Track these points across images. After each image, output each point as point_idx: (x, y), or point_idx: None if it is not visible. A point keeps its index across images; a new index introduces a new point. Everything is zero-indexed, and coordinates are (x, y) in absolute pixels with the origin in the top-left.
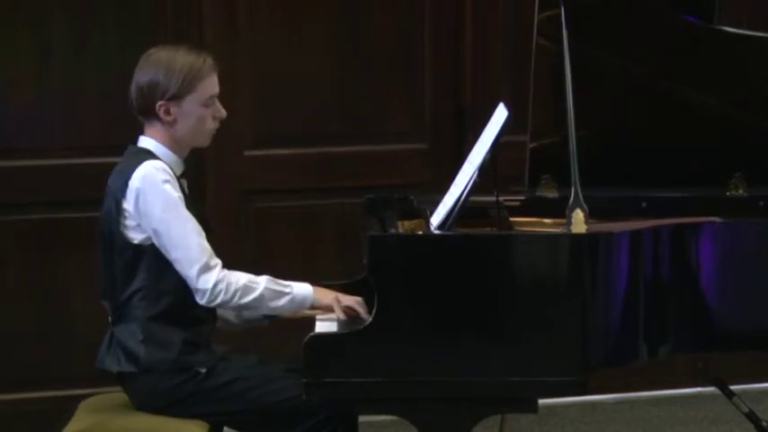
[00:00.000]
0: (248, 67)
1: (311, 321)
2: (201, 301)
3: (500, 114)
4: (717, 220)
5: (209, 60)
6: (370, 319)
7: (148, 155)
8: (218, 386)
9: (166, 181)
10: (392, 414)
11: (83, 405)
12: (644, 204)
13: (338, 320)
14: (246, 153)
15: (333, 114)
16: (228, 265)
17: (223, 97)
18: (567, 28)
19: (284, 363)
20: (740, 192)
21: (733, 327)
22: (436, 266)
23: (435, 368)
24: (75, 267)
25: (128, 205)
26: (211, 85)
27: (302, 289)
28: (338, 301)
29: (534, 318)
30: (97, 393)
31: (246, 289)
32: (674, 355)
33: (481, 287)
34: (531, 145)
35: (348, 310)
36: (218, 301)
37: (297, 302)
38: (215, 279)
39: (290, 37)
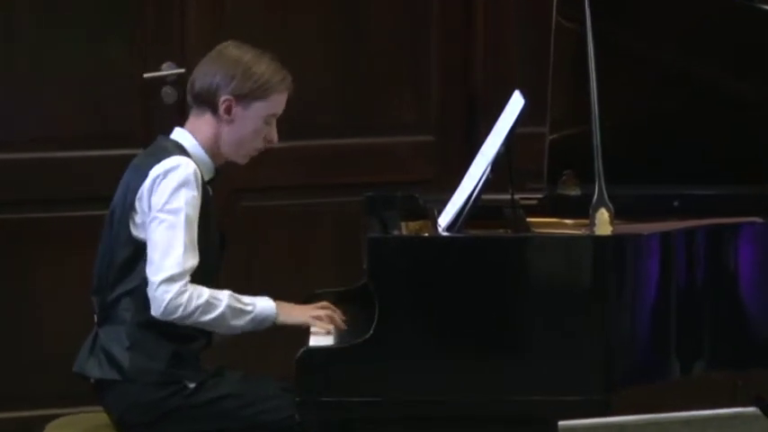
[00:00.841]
0: None
1: (305, 335)
2: (156, 313)
3: (516, 103)
4: (757, 220)
5: (289, 78)
6: (344, 327)
7: (179, 150)
8: (207, 402)
9: (182, 185)
10: None
11: (51, 426)
12: (676, 203)
13: (335, 332)
14: None
15: (329, 104)
16: (215, 275)
17: None
18: (590, 7)
19: (276, 380)
20: None
21: None
22: (444, 272)
23: (442, 386)
24: (45, 273)
25: (141, 193)
26: (281, 102)
27: (265, 306)
28: (315, 317)
29: (553, 329)
30: (68, 413)
31: (208, 306)
32: (709, 371)
33: (494, 295)
34: (551, 137)
35: (328, 320)
36: (176, 316)
37: (257, 322)
38: (174, 292)
39: (281, 18)
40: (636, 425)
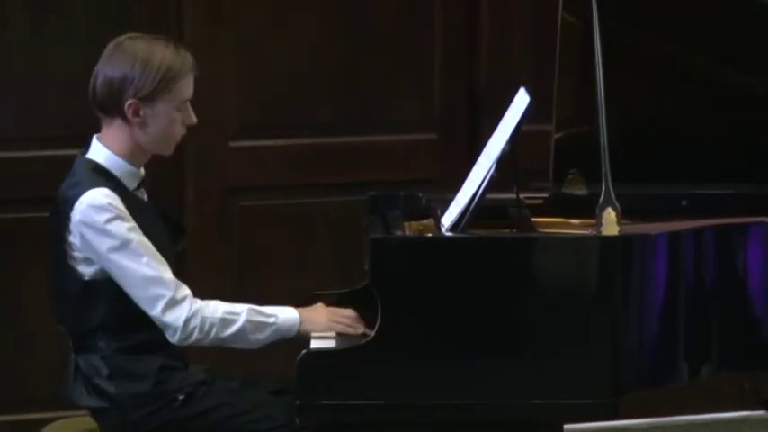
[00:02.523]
0: (232, 48)
1: (306, 336)
2: (173, 339)
3: (521, 100)
4: (767, 219)
5: (189, 59)
6: (372, 333)
7: (95, 174)
8: (198, 414)
9: (111, 219)
10: None
11: (47, 430)
12: (684, 202)
13: (336, 335)
14: (231, 144)
15: (328, 100)
16: (211, 271)
17: (204, 81)
18: (596, 4)
19: (273, 383)
20: None
21: None
22: (447, 273)
23: (446, 389)
24: (33, 274)
25: (73, 239)
26: (187, 87)
27: (288, 316)
28: (335, 321)
29: (559, 332)
30: (61, 417)
31: (225, 322)
32: (717, 374)
33: (499, 297)
34: (557, 135)
35: (350, 321)
36: (193, 339)
37: (281, 333)
38: (186, 314)
39: (280, 12)
40: (642, 428)
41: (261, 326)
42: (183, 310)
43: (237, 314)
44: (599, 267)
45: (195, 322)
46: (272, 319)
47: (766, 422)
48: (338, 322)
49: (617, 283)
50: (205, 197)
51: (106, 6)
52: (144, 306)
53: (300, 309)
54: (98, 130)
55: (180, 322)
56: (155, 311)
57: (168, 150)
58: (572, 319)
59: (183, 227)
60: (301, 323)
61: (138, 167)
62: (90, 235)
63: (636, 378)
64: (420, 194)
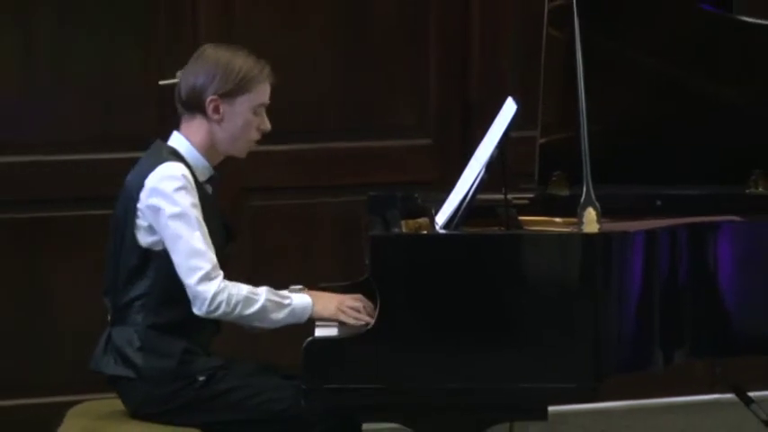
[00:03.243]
0: None
1: (311, 325)
2: (200, 311)
3: (508, 108)
4: (736, 219)
5: (267, 68)
6: (372, 322)
7: (173, 155)
8: (217, 394)
9: (180, 188)
10: (396, 422)
11: (71, 412)
12: (659, 202)
13: (339, 324)
14: None
15: (333, 108)
16: (224, 266)
17: None
18: (578, 17)
19: (284, 369)
20: (760, 189)
21: (752, 331)
22: (441, 268)
23: (440, 374)
24: (61, 268)
25: (141, 204)
26: (264, 92)
27: (301, 300)
28: (342, 311)
29: (544, 321)
30: (87, 400)
31: (248, 301)
32: (690, 360)
33: (488, 289)
34: (541, 140)
35: (355, 313)
36: (219, 312)
37: (296, 315)
38: (215, 289)
39: (288, 26)
40: (621, 410)
41: (279, 306)
42: (214, 284)
43: (258, 294)
44: (580, 262)
45: (222, 297)
46: (287, 301)
47: (736, 405)
48: (344, 312)
49: (597, 276)
50: (219, 197)
51: (126, 17)
52: (181, 273)
53: (312, 293)
54: (124, 135)
55: (209, 294)
56: (190, 280)
57: (242, 152)
58: (555, 309)
59: (234, 234)
60: (313, 307)
61: (211, 163)
62: (157, 199)
63: (615, 364)
64: (416, 195)
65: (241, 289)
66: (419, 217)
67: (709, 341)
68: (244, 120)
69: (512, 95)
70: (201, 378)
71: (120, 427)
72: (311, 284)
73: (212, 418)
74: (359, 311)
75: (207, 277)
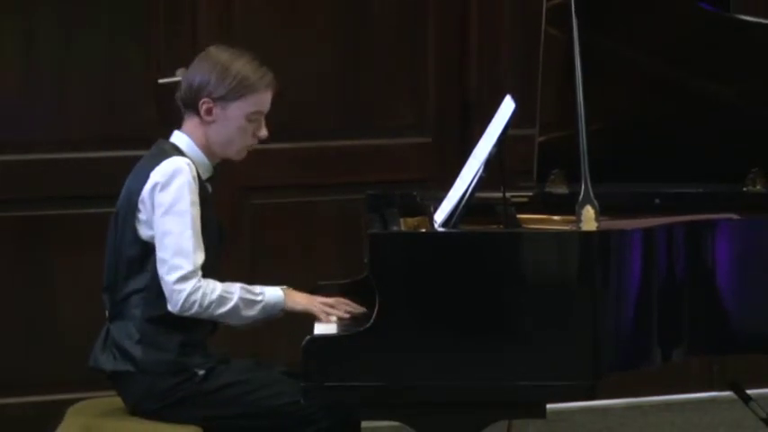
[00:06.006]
0: None
1: (310, 322)
2: (174, 309)
3: (507, 107)
4: (733, 216)
5: (269, 76)
6: (371, 318)
7: (177, 152)
8: (216, 389)
9: (183, 184)
10: (395, 420)
11: (72, 410)
12: (657, 201)
13: (337, 322)
14: None
15: (332, 107)
16: (224, 262)
17: None
18: (576, 16)
19: (283, 367)
20: (758, 187)
21: (750, 328)
22: (440, 265)
23: (439, 372)
24: (62, 266)
25: (143, 197)
26: (261, 101)
27: (273, 294)
28: (314, 305)
29: (543, 319)
30: (87, 398)
31: (221, 300)
32: (688, 358)
33: (487, 287)
34: (540, 139)
35: (326, 308)
36: (192, 312)
37: (268, 310)
38: (190, 289)
39: (287, 26)
40: (619, 408)
41: (251, 303)
42: (189, 284)
43: (232, 293)
44: (579, 260)
45: (196, 296)
46: (259, 297)
47: (733, 402)
48: (315, 306)
49: (595, 274)
50: (220, 195)
51: (125, 17)
52: (162, 268)
53: (285, 288)
54: (125, 133)
55: (184, 294)
56: (169, 277)
57: (237, 156)
58: (554, 307)
59: (223, 234)
60: (285, 301)
61: (211, 162)
62: (158, 193)
63: (613, 362)
64: (415, 193)
65: (215, 289)
66: (418, 215)
67: (707, 339)
68: (237, 125)
69: (510, 93)
70: (201, 372)
71: (120, 425)
72: (311, 282)
73: (212, 413)
74: (332, 307)
75: (185, 278)
